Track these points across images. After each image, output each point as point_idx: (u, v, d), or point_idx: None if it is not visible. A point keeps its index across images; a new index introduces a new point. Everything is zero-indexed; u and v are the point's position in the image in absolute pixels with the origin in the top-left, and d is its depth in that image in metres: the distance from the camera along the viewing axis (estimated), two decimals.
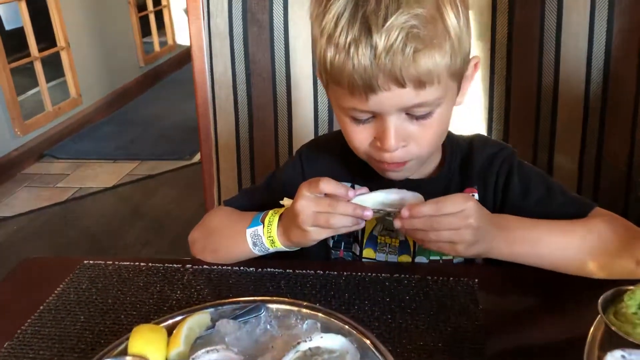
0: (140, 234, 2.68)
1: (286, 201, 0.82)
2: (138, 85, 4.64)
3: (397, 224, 0.73)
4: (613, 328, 0.48)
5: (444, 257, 0.86)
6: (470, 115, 1.20)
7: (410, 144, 0.75)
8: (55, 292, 0.81)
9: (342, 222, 0.74)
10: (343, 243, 0.91)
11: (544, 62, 1.16)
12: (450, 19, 0.70)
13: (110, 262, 0.87)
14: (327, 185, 0.76)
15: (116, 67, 4.42)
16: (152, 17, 4.97)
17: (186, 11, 1.30)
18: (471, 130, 0.95)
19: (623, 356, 0.44)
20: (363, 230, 0.88)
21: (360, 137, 0.77)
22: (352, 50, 0.69)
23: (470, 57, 0.78)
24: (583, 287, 0.70)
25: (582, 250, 0.76)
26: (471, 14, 0.82)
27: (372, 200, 0.76)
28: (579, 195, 0.88)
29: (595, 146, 1.18)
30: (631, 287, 0.52)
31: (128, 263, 0.87)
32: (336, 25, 0.70)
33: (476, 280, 0.77)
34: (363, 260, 0.89)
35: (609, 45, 1.14)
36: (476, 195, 0.85)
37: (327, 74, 0.74)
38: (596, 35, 1.14)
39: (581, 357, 0.52)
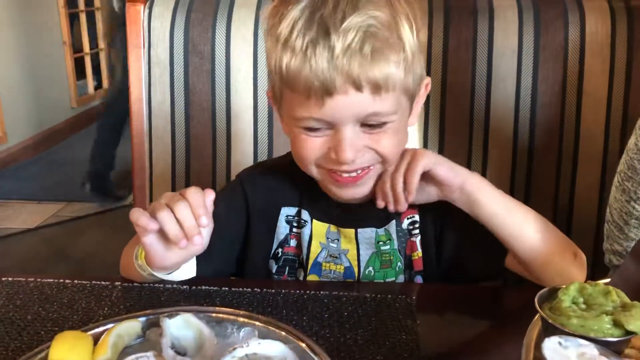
0: None
1: None
2: (69, 126, 4.50)
3: None
4: (550, 320, 0.49)
5: (387, 279, 0.86)
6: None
7: (366, 154, 0.75)
8: None
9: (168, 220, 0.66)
10: (287, 268, 0.88)
11: (475, 106, 1.22)
12: (405, 30, 0.72)
13: (32, 279, 0.81)
14: (193, 196, 0.68)
15: (46, 107, 4.28)
16: (87, 59, 4.89)
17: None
18: None
19: (559, 342, 0.45)
20: (308, 256, 0.86)
21: (311, 146, 0.75)
22: (309, 52, 0.68)
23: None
24: (517, 301, 0.72)
25: (537, 227, 0.79)
26: None
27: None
28: None
29: (524, 186, 1.23)
30: (564, 285, 0.53)
31: (51, 280, 0.81)
32: (292, 30, 0.70)
33: (414, 297, 0.77)
34: None
35: (535, 91, 1.21)
36: (416, 217, 0.86)
37: (282, 82, 0.73)
38: (523, 82, 1.21)
39: None
